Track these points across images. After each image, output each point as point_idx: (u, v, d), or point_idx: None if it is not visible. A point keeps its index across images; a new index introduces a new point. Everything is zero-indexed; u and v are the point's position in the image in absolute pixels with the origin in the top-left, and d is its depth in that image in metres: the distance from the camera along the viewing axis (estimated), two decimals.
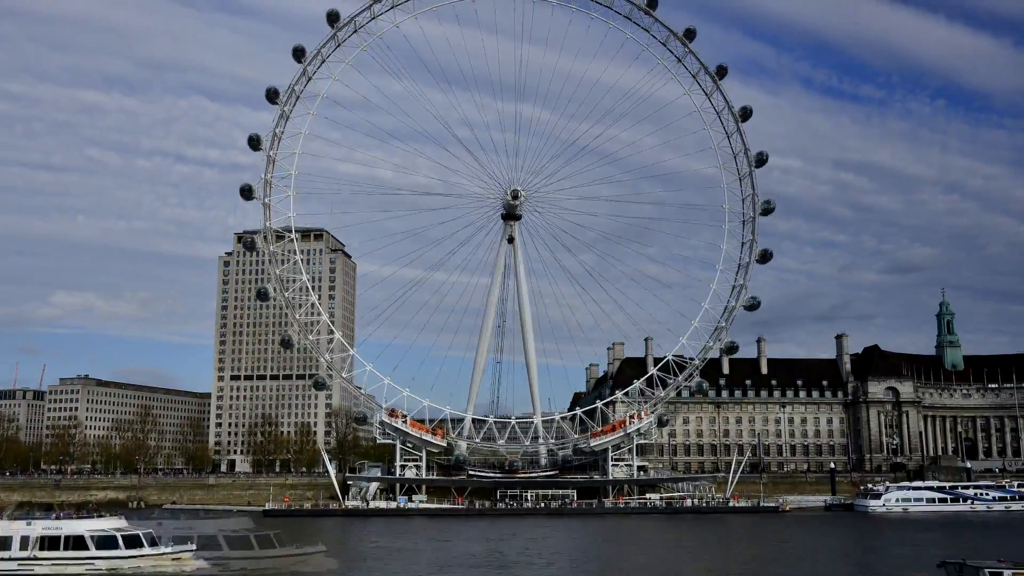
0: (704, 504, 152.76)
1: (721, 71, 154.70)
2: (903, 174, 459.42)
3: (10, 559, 60.27)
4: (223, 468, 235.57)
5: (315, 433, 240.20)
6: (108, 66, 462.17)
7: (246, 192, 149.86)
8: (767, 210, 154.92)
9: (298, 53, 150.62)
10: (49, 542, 60.68)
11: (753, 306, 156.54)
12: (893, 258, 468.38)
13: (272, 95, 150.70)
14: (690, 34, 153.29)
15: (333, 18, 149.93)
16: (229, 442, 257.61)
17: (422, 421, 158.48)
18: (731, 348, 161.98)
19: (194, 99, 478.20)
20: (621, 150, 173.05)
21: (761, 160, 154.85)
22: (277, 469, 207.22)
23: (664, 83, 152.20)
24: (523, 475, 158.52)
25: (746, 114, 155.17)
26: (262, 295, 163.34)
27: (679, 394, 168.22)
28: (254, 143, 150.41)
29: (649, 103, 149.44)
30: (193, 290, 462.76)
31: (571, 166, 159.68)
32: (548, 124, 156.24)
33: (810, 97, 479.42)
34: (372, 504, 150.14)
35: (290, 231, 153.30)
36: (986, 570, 44.82)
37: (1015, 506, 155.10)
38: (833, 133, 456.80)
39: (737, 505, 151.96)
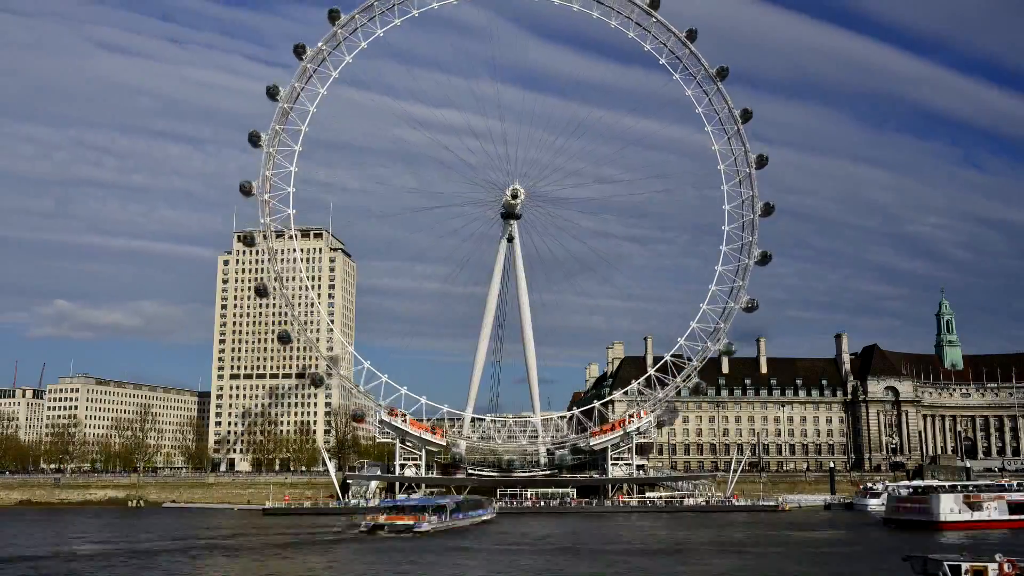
0: (704, 503, 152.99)
1: (746, 114, 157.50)
2: (1018, 224, 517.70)
3: None
4: (223, 467, 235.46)
5: (315, 432, 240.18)
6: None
7: (254, 139, 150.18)
8: (768, 210, 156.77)
9: (299, 50, 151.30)
10: None
11: (751, 308, 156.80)
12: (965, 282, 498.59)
13: (272, 92, 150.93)
14: (722, 72, 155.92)
15: (334, 16, 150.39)
16: (229, 441, 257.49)
17: (420, 419, 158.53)
18: (728, 351, 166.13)
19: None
20: (625, 149, 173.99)
21: (768, 209, 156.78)
22: (277, 468, 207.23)
23: (685, 112, 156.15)
24: (522, 474, 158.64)
25: (762, 161, 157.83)
26: (261, 291, 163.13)
27: (679, 393, 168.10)
28: (254, 139, 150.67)
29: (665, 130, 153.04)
30: (193, 289, 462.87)
31: (570, 164, 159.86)
32: (551, 124, 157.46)
33: (968, 172, 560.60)
34: (372, 503, 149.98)
35: (289, 228, 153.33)
36: (945, 564, 48.56)
37: None
38: (977, 199, 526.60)
39: (736, 504, 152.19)
